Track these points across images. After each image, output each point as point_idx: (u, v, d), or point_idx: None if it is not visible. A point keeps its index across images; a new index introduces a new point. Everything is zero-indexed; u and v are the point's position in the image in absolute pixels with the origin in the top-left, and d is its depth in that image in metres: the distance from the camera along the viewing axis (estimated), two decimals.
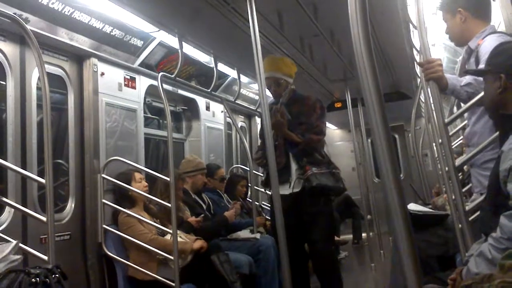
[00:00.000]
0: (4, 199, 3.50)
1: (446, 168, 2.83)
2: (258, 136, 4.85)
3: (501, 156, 2.01)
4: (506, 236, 1.82)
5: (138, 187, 4.49)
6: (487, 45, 2.67)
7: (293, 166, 4.14)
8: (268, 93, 4.15)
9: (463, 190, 2.98)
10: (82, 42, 4.35)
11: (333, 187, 4.13)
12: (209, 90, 6.03)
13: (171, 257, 4.06)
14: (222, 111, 7.16)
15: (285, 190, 4.05)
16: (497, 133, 2.37)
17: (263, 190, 6.83)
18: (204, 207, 5.41)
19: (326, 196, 4.20)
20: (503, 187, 1.93)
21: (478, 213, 2.59)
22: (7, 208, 3.73)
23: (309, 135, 4.12)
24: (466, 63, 3.06)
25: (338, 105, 9.04)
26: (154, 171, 4.74)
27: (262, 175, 6.62)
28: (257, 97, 7.39)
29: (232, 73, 6.37)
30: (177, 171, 4.86)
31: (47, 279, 2.61)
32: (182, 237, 4.35)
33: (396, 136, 10.97)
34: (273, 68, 4.28)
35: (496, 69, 2.24)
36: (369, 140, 9.30)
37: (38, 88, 4.02)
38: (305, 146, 4.10)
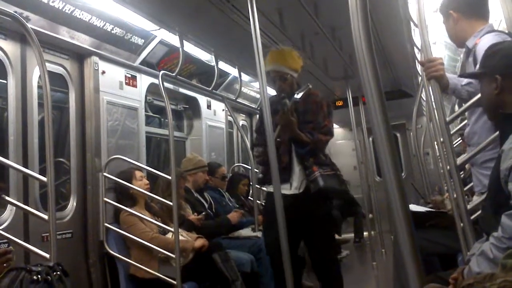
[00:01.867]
0: (6, 197, 3.50)
1: (448, 167, 2.82)
2: (254, 131, 4.61)
3: (502, 155, 1.99)
4: (508, 235, 1.82)
5: (139, 186, 4.49)
6: (484, 44, 2.65)
7: (296, 166, 3.87)
8: (269, 90, 4.00)
9: (465, 189, 2.97)
10: (83, 41, 4.35)
11: (338, 189, 3.93)
12: (210, 89, 6.03)
13: (173, 255, 4.06)
14: (223, 110, 7.17)
15: (285, 190, 3.76)
16: (497, 132, 2.36)
17: (264, 188, 6.83)
18: (206, 205, 5.41)
19: (330, 199, 3.99)
20: (504, 187, 1.92)
21: (479, 212, 2.59)
22: (9, 206, 3.74)
23: (318, 136, 3.87)
24: (465, 62, 3.05)
25: (339, 103, 9.04)
26: (156, 170, 4.74)
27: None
28: (258, 96, 7.38)
29: (233, 71, 6.37)
30: (178, 170, 4.86)
31: (49, 277, 2.61)
32: (183, 236, 4.36)
33: (398, 134, 10.96)
34: (279, 62, 3.98)
35: (491, 71, 2.21)
36: (370, 139, 9.30)
37: (39, 87, 4.03)
38: (313, 146, 3.86)
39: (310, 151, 3.86)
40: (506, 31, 3.04)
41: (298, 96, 3.91)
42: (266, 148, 3.81)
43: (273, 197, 3.67)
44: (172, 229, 4.21)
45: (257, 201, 6.01)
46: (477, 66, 2.62)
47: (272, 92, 5.22)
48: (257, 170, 6.39)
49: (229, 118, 7.24)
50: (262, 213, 4.62)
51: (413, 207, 4.23)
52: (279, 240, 3.33)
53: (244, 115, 8.31)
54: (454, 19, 2.98)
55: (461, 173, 3.06)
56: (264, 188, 6.41)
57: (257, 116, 8.19)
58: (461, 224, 2.63)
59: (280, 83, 4.00)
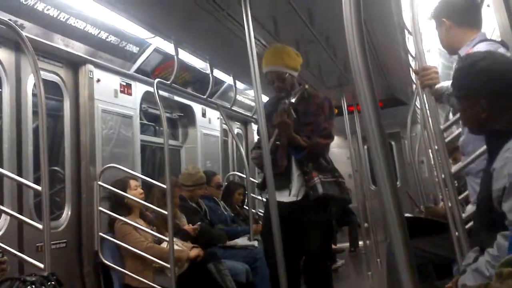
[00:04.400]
0: (0, 206, 3.49)
1: (442, 175, 2.82)
2: (256, 133, 4.42)
3: (493, 174, 1.93)
4: (504, 255, 1.80)
5: (134, 195, 4.48)
6: None
7: (295, 171, 3.68)
8: (264, 98, 3.85)
9: (460, 197, 2.97)
10: (77, 49, 4.35)
11: (339, 197, 3.73)
12: (205, 97, 6.03)
13: (168, 265, 4.04)
14: (218, 118, 7.17)
15: (283, 197, 3.64)
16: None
17: (259, 197, 6.78)
18: (201, 214, 5.40)
19: (329, 207, 3.77)
20: (497, 206, 1.88)
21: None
22: (3, 216, 3.73)
23: (316, 139, 3.67)
24: None
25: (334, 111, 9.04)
26: (151, 178, 4.73)
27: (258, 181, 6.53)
28: (253, 104, 7.38)
29: (228, 79, 6.37)
30: (174, 178, 4.85)
31: (43, 287, 2.59)
32: (178, 245, 4.34)
33: (392, 142, 10.98)
34: (276, 61, 3.76)
35: (475, 95, 2.07)
36: (365, 147, 9.32)
37: (34, 95, 4.02)
38: (311, 150, 3.66)
39: (308, 156, 3.67)
40: (499, 40, 3.05)
41: (293, 99, 3.72)
42: None
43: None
44: (167, 239, 4.19)
45: (253, 210, 5.99)
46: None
47: (266, 99, 5.20)
48: (252, 179, 6.40)
49: (224, 126, 7.25)
50: (262, 221, 4.40)
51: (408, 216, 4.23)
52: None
53: (239, 123, 8.31)
54: (446, 27, 2.99)
55: (455, 181, 3.06)
56: (259, 197, 6.36)
57: (252, 124, 8.22)
58: (456, 233, 2.63)
59: (278, 84, 3.79)
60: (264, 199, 3.99)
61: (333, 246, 7.72)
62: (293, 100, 3.72)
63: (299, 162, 3.69)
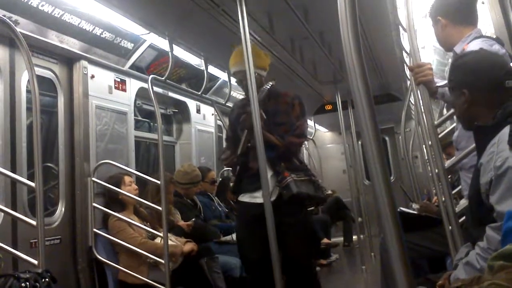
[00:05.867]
0: None
1: (436, 170, 2.84)
2: (225, 140, 4.29)
3: (480, 169, 1.97)
4: (494, 247, 1.82)
5: (128, 191, 4.47)
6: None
7: (268, 172, 3.48)
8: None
9: (453, 192, 2.99)
10: (72, 45, 4.34)
11: (314, 196, 3.62)
12: (199, 93, 6.02)
13: (162, 261, 4.04)
14: (212, 114, 7.16)
15: (257, 199, 3.52)
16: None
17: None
18: (195, 210, 5.40)
19: (305, 206, 3.71)
20: (485, 200, 1.92)
21: None
22: None
23: (290, 138, 3.60)
24: None
25: (329, 107, 9.09)
26: (145, 174, 4.72)
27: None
28: None
29: (222, 75, 6.37)
30: (168, 175, 4.85)
31: (37, 284, 2.59)
32: (172, 240, 4.34)
33: (387, 138, 11.01)
34: (243, 61, 3.56)
35: (458, 85, 2.20)
36: (359, 142, 9.35)
37: (28, 91, 4.00)
38: (285, 150, 3.59)
39: (281, 155, 3.60)
40: (494, 36, 3.07)
41: (259, 97, 3.54)
42: (235, 152, 3.68)
43: (245, 208, 3.55)
44: (161, 234, 4.19)
45: None
46: None
47: None
48: None
49: (219, 122, 7.24)
50: (236, 226, 4.31)
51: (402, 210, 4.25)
52: (259, 253, 3.20)
53: None
54: (442, 25, 3.00)
55: (449, 176, 3.08)
56: (234, 202, 6.27)
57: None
58: (450, 227, 2.64)
59: (247, 83, 3.57)
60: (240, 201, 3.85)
61: (328, 241, 7.78)
62: (260, 99, 3.57)
63: (271, 162, 3.58)
